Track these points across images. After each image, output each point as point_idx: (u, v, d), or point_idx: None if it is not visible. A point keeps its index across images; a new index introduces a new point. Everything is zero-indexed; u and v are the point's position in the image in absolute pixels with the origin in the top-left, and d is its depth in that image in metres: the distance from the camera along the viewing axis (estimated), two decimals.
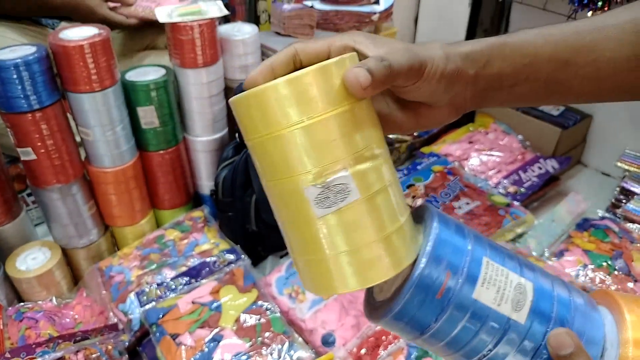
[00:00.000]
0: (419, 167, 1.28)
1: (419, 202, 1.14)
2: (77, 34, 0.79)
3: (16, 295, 0.91)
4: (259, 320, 0.82)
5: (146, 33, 1.16)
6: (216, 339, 0.78)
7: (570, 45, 0.38)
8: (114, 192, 0.92)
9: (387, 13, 1.15)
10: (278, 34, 1.07)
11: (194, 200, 1.08)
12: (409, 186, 1.20)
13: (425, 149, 1.39)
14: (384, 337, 0.82)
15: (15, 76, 0.74)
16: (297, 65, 0.35)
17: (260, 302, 0.85)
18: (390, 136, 1.43)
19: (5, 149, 0.91)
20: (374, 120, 0.34)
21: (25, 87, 0.75)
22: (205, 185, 1.05)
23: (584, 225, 1.06)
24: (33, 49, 0.76)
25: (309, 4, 1.07)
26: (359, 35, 0.37)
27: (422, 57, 0.35)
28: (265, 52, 1.01)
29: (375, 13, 1.13)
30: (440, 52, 0.36)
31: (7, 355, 0.76)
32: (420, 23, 1.59)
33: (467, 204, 1.13)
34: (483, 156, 1.32)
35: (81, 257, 0.95)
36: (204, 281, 0.88)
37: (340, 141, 0.31)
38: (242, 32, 0.97)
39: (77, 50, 0.77)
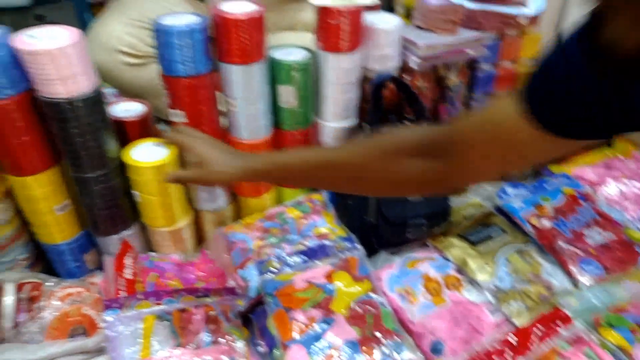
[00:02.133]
0: (546, 186, 1.19)
1: (545, 222, 1.06)
2: (236, 7, 0.84)
3: (147, 245, 0.99)
4: (371, 311, 0.81)
5: (287, 13, 1.20)
6: (327, 322, 0.79)
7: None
8: None
9: (534, 18, 1.09)
10: (419, 27, 1.05)
11: None
12: (535, 205, 1.12)
13: (555, 168, 1.30)
14: (494, 357, 0.78)
15: (178, 42, 0.80)
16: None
17: (372, 294, 0.84)
18: None
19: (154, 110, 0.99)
20: None
21: (185, 53, 0.81)
22: None
23: None
24: (197, 18, 0.82)
25: (455, 0, 1.05)
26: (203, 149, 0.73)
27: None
28: (405, 45, 1.01)
29: (522, 16, 1.07)
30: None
31: (140, 296, 0.83)
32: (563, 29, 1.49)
33: (600, 234, 1.04)
34: (621, 185, 1.20)
35: (208, 220, 1.01)
36: (319, 263, 0.90)
37: None
38: (385, 22, 0.97)
39: (236, 23, 0.82)
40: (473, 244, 1.01)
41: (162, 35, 0.79)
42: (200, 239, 1.03)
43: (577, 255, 0.99)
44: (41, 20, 1.41)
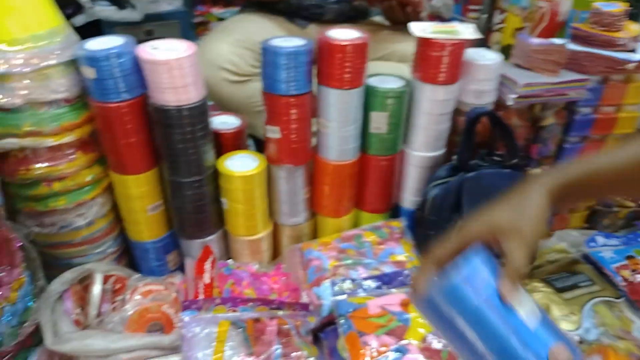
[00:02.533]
0: None
1: (639, 277, 0.99)
2: (342, 35, 0.86)
3: (226, 252, 1.02)
4: (446, 347, 0.78)
5: (384, 44, 1.22)
6: (401, 351, 0.77)
7: None
8: (330, 183, 0.98)
9: None
10: (518, 66, 1.03)
11: (392, 210, 1.09)
12: (628, 257, 1.05)
13: None
14: None
15: (285, 62, 0.83)
16: None
17: None
18: (611, 199, 1.28)
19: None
20: None
21: (289, 73, 0.84)
22: (408, 199, 1.06)
23: None
24: (303, 41, 0.85)
25: (559, 41, 1.02)
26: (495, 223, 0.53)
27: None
28: (503, 82, 0.99)
29: (630, 62, 1.02)
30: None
31: (218, 301, 0.85)
32: None
33: None
34: None
35: (285, 234, 1.03)
36: (394, 290, 0.88)
37: None
38: (486, 57, 0.96)
39: (341, 49, 0.83)
40: (558, 290, 0.96)
41: (270, 55, 0.83)
42: (275, 251, 1.04)
43: None
44: (150, 35, 1.52)
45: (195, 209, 0.90)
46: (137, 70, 0.79)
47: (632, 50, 1.05)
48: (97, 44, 0.78)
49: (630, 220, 1.25)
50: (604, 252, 1.07)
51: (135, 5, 1.46)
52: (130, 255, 0.99)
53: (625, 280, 0.99)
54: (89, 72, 0.77)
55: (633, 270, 1.02)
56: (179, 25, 1.53)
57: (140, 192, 0.88)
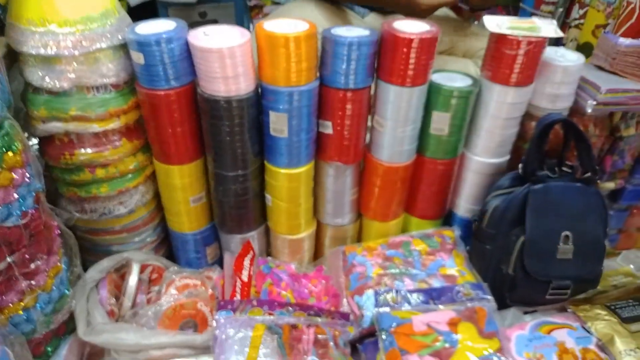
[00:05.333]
0: None
1: None
2: (409, 27, 0.79)
3: (266, 248, 0.98)
4: None
5: (451, 38, 1.13)
6: None
7: None
8: (380, 185, 0.92)
9: None
10: (600, 68, 0.92)
11: (445, 217, 1.02)
12: None
13: None
14: None
15: (345, 52, 0.76)
16: None
17: (499, 355, 0.75)
18: None
19: None
20: None
21: (349, 66, 0.77)
22: (463, 206, 0.98)
23: None
24: (367, 32, 0.79)
25: None
26: None
27: None
28: (582, 86, 0.89)
29: None
30: None
31: (254, 303, 0.81)
32: None
33: None
34: None
35: (329, 234, 0.98)
36: (441, 307, 0.82)
37: None
38: (565, 58, 0.86)
39: (406, 43, 0.76)
40: (624, 320, 0.87)
41: (330, 45, 0.77)
42: (317, 252, 1.00)
43: None
44: (204, 17, 1.49)
45: (238, 203, 0.87)
46: (187, 57, 0.75)
47: None
48: (148, 27, 0.75)
49: None
50: None
51: None
52: (169, 246, 0.97)
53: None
54: (138, 57, 0.73)
55: None
56: (234, 8, 1.49)
57: (183, 183, 0.85)
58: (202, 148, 0.84)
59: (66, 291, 0.75)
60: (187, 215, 0.89)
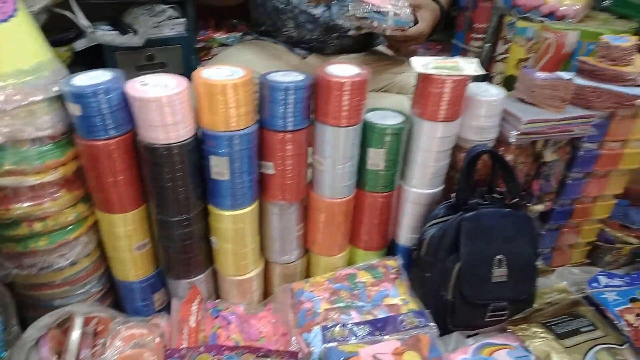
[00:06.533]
0: None
1: None
2: (341, 71, 0.83)
3: (215, 291, 0.98)
4: None
5: (384, 75, 1.19)
6: None
7: None
8: (324, 220, 0.95)
9: None
10: (522, 100, 1.00)
11: (389, 247, 1.06)
12: (632, 300, 1.01)
13: None
14: None
15: (282, 97, 0.80)
16: None
17: None
18: (613, 235, 1.25)
19: None
20: None
21: (287, 108, 0.81)
22: (404, 235, 1.02)
23: None
24: (302, 76, 0.82)
25: (566, 76, 0.99)
26: None
27: None
28: (505, 118, 0.95)
29: (638, 97, 0.99)
30: None
31: (202, 349, 0.81)
32: None
33: None
34: None
35: (277, 272, 0.99)
36: (386, 337, 0.85)
37: None
38: (488, 93, 0.93)
39: (338, 86, 0.80)
40: (559, 336, 0.92)
41: (267, 90, 0.80)
42: (266, 290, 1.01)
43: None
44: (151, 60, 1.50)
45: (183, 248, 0.87)
46: (125, 106, 0.76)
47: None
48: (85, 79, 0.75)
49: (635, 257, 1.22)
50: (607, 293, 1.04)
51: (137, 30, 1.44)
52: (115, 295, 0.95)
53: (630, 325, 0.96)
54: (74, 109, 0.74)
55: (638, 315, 0.98)
56: (181, 50, 1.51)
57: (127, 231, 0.85)
58: (145, 194, 0.84)
59: (2, 354, 0.72)
60: (132, 263, 0.89)
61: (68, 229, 0.82)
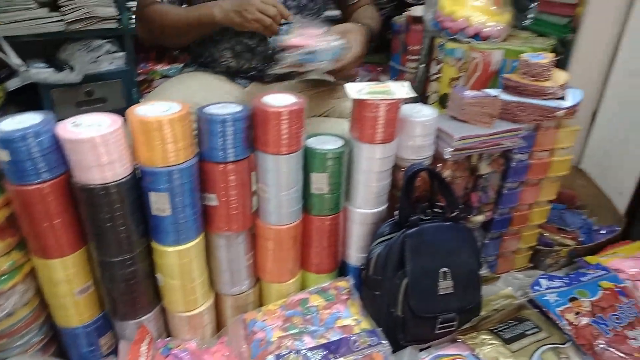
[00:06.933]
0: (583, 279, 1.14)
1: (583, 319, 1.01)
2: (277, 100, 0.85)
3: (165, 329, 0.96)
4: None
5: (323, 101, 1.22)
6: None
7: None
8: (273, 248, 0.95)
9: (572, 110, 1.08)
10: (454, 117, 1.05)
11: (340, 268, 1.07)
12: (571, 299, 1.07)
13: (591, 259, 1.24)
14: None
15: (220, 129, 0.80)
16: None
17: None
18: (551, 239, 1.31)
19: None
20: None
21: (226, 140, 0.81)
22: (354, 255, 1.04)
23: None
24: (239, 107, 0.83)
25: (493, 92, 1.05)
26: None
27: None
28: (439, 135, 1.00)
29: (560, 109, 1.06)
30: None
31: None
32: (598, 119, 1.48)
33: None
34: None
35: (228, 304, 0.98)
36: (341, 359, 0.85)
37: None
38: (421, 114, 0.97)
39: (276, 116, 0.82)
40: (506, 341, 0.96)
41: (205, 123, 0.80)
42: (219, 323, 0.99)
43: (620, 359, 0.92)
44: (90, 96, 1.47)
45: (128, 288, 0.85)
46: (57, 148, 0.74)
47: (562, 98, 1.09)
48: (13, 123, 0.73)
49: (572, 257, 1.29)
50: (548, 295, 1.08)
51: (74, 66, 1.41)
52: (59, 343, 0.91)
53: (571, 323, 1.00)
54: (3, 155, 0.71)
55: (577, 313, 1.03)
56: (121, 84, 1.50)
57: (66, 275, 0.82)
58: (84, 235, 0.82)
59: None
60: (75, 308, 0.85)
61: (2, 278, 0.78)
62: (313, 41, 0.99)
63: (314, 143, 0.93)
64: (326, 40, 1.00)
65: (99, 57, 1.54)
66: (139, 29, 1.20)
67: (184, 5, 1.18)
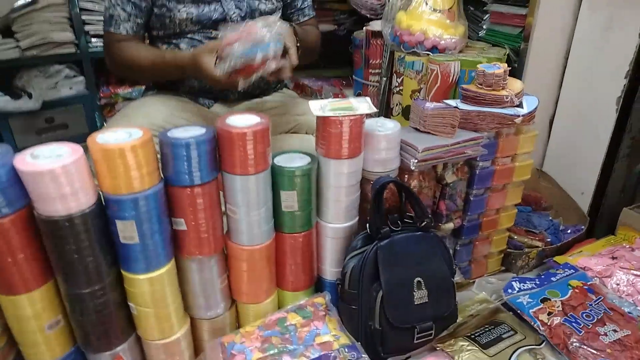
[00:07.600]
0: (553, 279, 1.17)
1: (555, 319, 1.03)
2: (241, 121, 0.85)
3: (142, 358, 0.94)
4: None
5: (289, 117, 1.23)
6: None
7: None
8: (247, 269, 0.94)
9: (530, 116, 1.12)
10: (417, 129, 1.07)
11: (316, 284, 1.07)
12: (543, 300, 1.09)
13: (559, 259, 1.28)
14: None
15: (184, 153, 0.80)
16: None
17: None
18: (520, 241, 1.34)
19: None
20: None
21: (191, 163, 0.81)
22: (329, 270, 1.05)
23: None
24: (203, 130, 0.83)
25: (452, 103, 1.08)
26: None
27: None
28: (404, 147, 1.02)
29: (518, 116, 1.10)
30: None
31: None
32: (555, 123, 1.53)
33: (615, 331, 1.00)
34: (630, 276, 1.18)
35: (205, 328, 0.97)
36: None
37: None
38: (385, 127, 0.99)
39: (240, 137, 0.82)
40: (483, 346, 0.97)
41: (168, 148, 0.80)
42: (196, 349, 0.98)
43: (594, 356, 0.95)
44: (51, 122, 1.45)
45: (100, 319, 0.83)
46: (16, 182, 0.72)
47: (519, 105, 1.13)
48: None
49: (542, 258, 1.32)
50: (521, 297, 1.11)
51: (32, 93, 1.38)
52: None
53: (544, 324, 1.03)
54: None
55: (549, 313, 1.06)
56: (83, 109, 1.47)
57: (35, 311, 0.79)
58: (50, 269, 0.80)
59: None
60: (46, 344, 0.83)
61: None
62: (256, 32, 0.94)
63: (281, 161, 0.93)
64: (269, 26, 0.95)
65: (57, 82, 1.51)
66: (108, 64, 1.19)
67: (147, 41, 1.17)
